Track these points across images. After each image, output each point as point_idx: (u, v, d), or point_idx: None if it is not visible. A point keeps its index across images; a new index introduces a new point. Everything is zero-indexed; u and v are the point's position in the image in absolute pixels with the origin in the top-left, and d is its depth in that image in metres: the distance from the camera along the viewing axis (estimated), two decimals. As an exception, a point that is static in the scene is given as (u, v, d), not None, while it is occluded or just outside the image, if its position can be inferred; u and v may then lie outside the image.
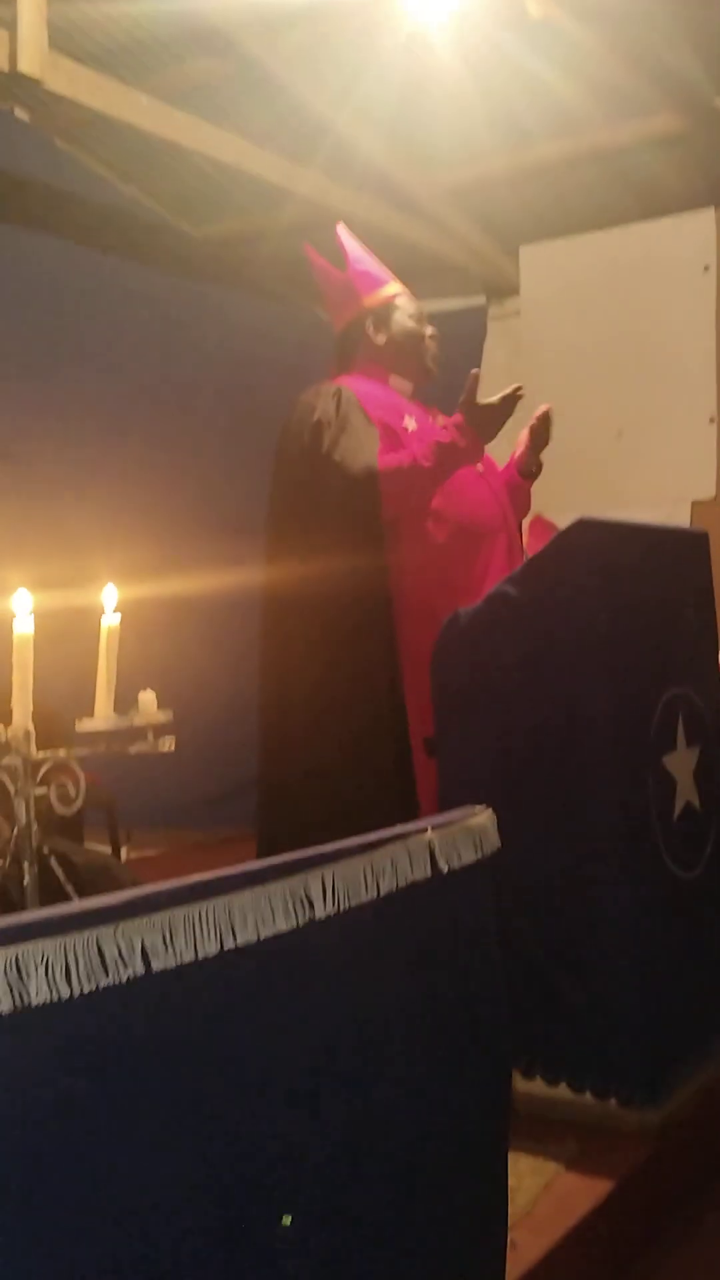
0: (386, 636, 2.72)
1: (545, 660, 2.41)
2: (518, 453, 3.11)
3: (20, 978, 1.04)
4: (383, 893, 1.43)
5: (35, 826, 2.07)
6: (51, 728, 2.26)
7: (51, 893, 2.13)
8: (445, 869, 1.55)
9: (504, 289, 6.54)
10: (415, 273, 4.44)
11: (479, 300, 6.65)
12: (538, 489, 3.19)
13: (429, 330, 3.06)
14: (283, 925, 1.29)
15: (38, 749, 2.08)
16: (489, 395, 2.80)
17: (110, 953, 1.11)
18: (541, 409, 3.06)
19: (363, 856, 1.43)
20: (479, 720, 2.50)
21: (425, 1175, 1.50)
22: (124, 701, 2.21)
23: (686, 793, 2.54)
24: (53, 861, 2.16)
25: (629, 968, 2.33)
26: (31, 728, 2.07)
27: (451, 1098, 1.57)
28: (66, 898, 2.12)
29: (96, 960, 1.10)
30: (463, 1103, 1.59)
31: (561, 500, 3.83)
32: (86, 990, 1.08)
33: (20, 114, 5.38)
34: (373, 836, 1.48)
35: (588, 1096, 2.35)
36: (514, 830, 1.77)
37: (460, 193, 6.03)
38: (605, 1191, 2.12)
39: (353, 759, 2.69)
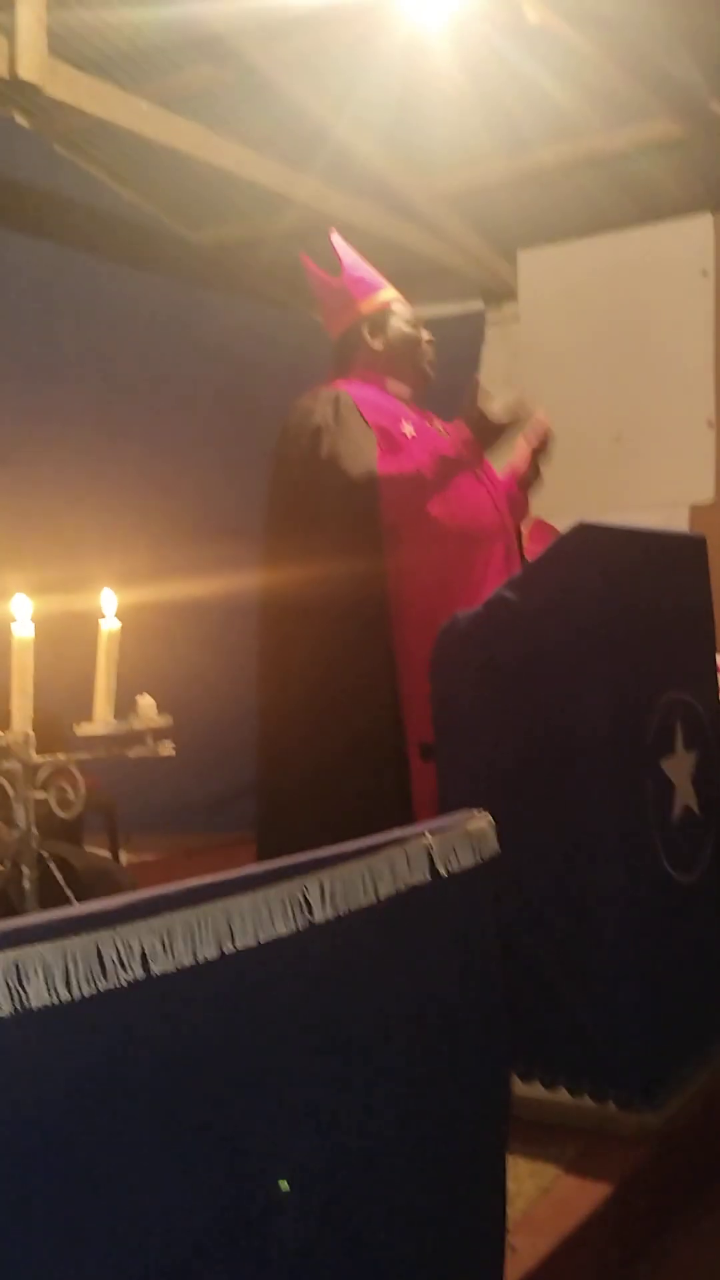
0: (385, 641, 2.73)
1: (544, 664, 2.42)
2: (518, 465, 3.13)
3: (20, 982, 1.04)
4: (381, 897, 1.44)
5: (35, 830, 2.07)
6: (51, 732, 2.26)
7: (51, 897, 2.13)
8: (444, 873, 1.55)
9: (502, 294, 6.54)
10: (413, 278, 4.46)
11: (477, 305, 6.66)
12: (536, 492, 3.21)
13: (425, 335, 3.08)
14: (281, 929, 1.29)
15: (37, 753, 2.08)
16: (487, 400, 2.82)
17: (109, 956, 1.11)
18: (540, 421, 3.08)
19: (361, 861, 1.43)
20: (478, 724, 2.50)
21: (424, 1179, 1.50)
22: (123, 706, 2.21)
23: (685, 796, 2.55)
24: (52, 865, 2.16)
25: (627, 971, 2.33)
26: (31, 732, 2.07)
27: (450, 1101, 1.57)
28: (66, 902, 2.12)
29: (96, 964, 1.10)
30: (461, 1106, 1.59)
31: (560, 504, 3.83)
32: (86, 994, 1.08)
33: (20, 120, 5.38)
34: (371, 841, 1.48)
35: (586, 1100, 2.35)
36: (513, 834, 1.78)
37: (458, 198, 6.03)
38: (604, 1195, 2.12)
39: (351, 763, 2.70)
